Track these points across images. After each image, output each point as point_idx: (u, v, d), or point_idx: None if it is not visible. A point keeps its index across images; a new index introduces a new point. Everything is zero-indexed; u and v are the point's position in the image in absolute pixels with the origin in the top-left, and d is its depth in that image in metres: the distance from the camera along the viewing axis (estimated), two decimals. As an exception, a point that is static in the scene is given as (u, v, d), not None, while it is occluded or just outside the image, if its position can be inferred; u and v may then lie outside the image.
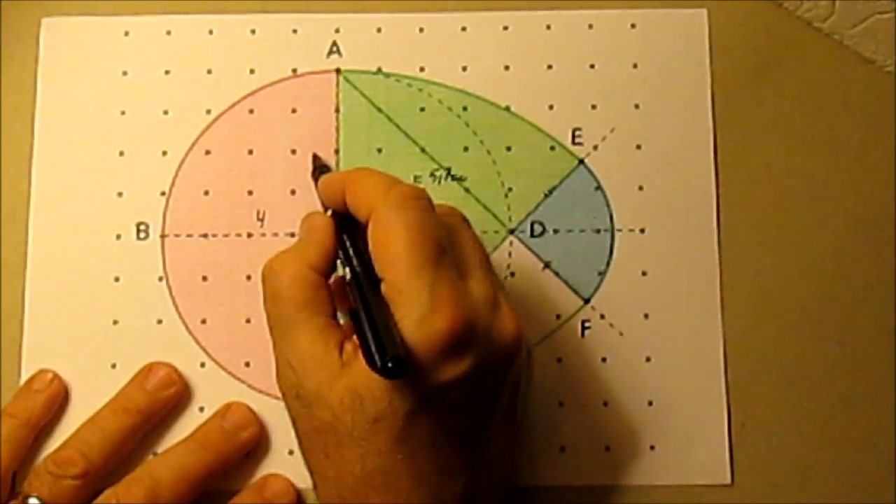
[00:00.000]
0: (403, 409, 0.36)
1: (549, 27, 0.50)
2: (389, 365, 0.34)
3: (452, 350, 0.36)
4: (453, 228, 0.40)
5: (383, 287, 0.38)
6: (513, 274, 0.48)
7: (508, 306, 0.39)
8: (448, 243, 0.39)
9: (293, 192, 0.48)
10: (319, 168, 0.47)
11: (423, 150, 0.49)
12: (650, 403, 0.47)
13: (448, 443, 0.38)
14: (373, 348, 0.35)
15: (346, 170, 0.42)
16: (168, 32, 0.50)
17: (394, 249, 0.37)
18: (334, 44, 0.50)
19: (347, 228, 0.41)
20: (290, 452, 0.46)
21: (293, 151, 0.49)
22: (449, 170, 0.49)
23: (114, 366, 0.47)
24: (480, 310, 0.38)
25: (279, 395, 0.46)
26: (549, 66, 0.49)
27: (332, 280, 0.41)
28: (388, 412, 0.36)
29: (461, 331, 0.36)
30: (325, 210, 0.43)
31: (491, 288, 0.39)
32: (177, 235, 0.48)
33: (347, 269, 0.40)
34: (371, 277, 0.38)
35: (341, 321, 0.41)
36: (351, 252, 0.40)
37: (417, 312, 0.36)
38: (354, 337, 0.38)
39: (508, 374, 0.39)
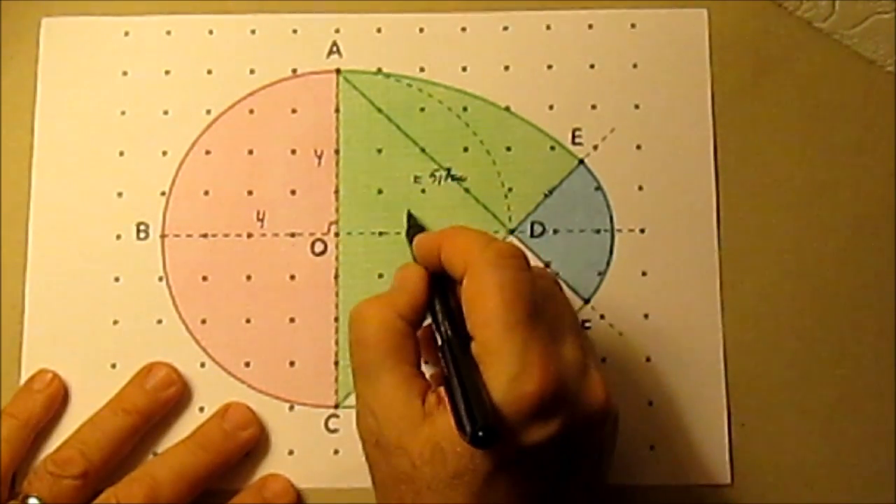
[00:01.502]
0: (485, 468, 0.36)
1: (549, 27, 0.50)
2: (480, 434, 0.34)
3: (540, 414, 0.36)
4: (546, 289, 0.40)
5: (474, 346, 0.37)
6: (513, 274, 0.48)
7: (598, 373, 0.39)
8: (542, 305, 0.38)
9: (293, 192, 0.48)
10: (414, 227, 0.47)
11: (423, 150, 0.49)
12: (650, 403, 0.47)
13: None
14: (464, 417, 0.35)
15: (442, 229, 0.42)
16: (168, 32, 0.50)
17: (488, 309, 0.37)
18: (334, 44, 0.50)
19: (440, 290, 0.41)
20: (290, 452, 0.46)
21: (293, 151, 0.49)
22: (449, 170, 0.49)
23: (114, 366, 0.47)
24: (570, 374, 0.37)
25: (279, 394, 0.46)
26: (549, 66, 0.49)
27: (419, 332, 0.41)
28: (468, 469, 0.36)
29: (550, 395, 0.36)
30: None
31: (581, 353, 0.39)
32: (177, 235, 0.48)
33: (438, 335, 0.39)
34: (462, 336, 0.38)
35: (426, 371, 0.41)
36: (441, 316, 0.40)
37: (507, 374, 0.36)
38: (439, 389, 0.38)
39: (593, 441, 0.39)
